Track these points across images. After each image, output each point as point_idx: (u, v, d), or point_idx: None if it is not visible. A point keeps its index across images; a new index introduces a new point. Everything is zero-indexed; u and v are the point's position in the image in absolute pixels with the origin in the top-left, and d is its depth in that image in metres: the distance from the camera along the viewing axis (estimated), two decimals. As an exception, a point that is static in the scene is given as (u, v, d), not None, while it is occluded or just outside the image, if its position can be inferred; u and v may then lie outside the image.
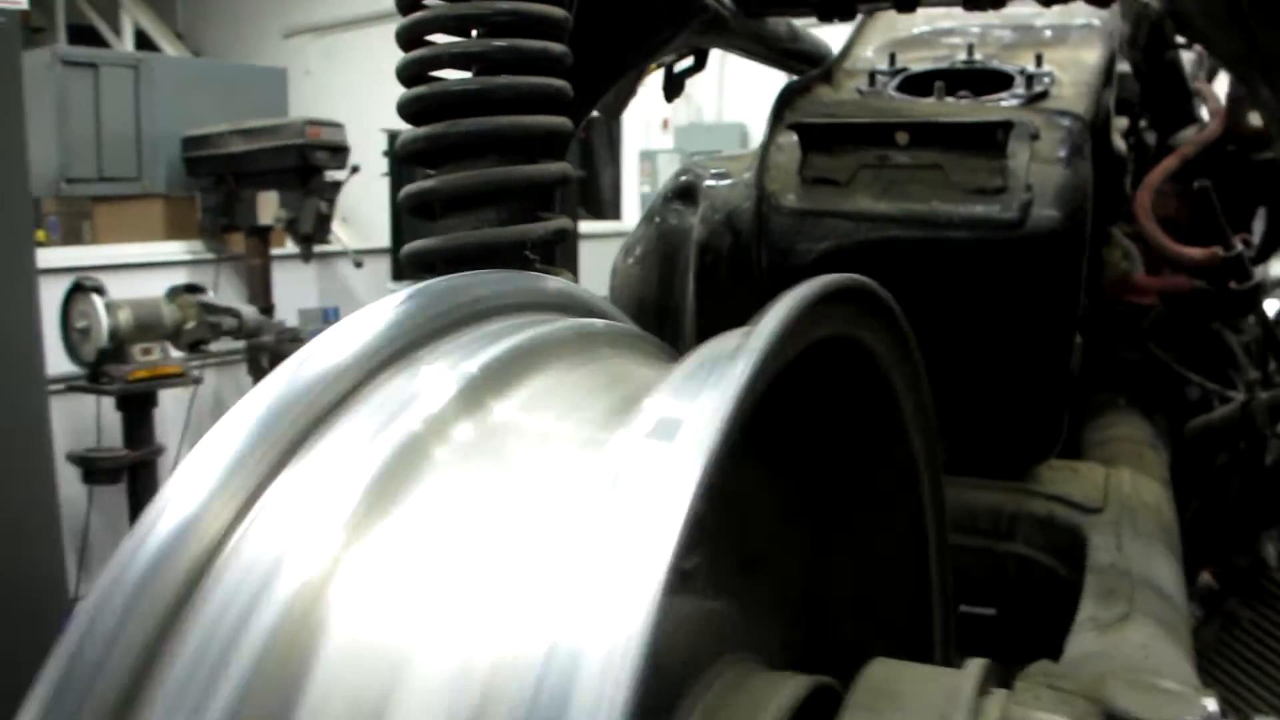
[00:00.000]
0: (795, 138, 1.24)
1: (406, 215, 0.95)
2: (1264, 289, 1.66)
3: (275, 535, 0.46)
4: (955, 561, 0.94)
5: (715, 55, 1.75)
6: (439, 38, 0.94)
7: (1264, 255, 1.98)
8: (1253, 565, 1.91)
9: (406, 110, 0.93)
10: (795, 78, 1.49)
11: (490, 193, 0.88)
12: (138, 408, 4.64)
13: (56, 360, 4.15)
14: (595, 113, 1.44)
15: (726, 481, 0.46)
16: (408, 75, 0.93)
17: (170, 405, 5.05)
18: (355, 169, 5.39)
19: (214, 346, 5.03)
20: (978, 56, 1.48)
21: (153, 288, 4.83)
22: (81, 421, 4.74)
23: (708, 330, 1.36)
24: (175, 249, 5.67)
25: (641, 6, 1.24)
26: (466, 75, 0.93)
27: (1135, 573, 1.22)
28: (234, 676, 0.42)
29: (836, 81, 1.47)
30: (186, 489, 0.47)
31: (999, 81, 1.43)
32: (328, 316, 5.62)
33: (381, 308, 0.59)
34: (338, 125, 5.30)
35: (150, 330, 4.60)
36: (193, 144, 5.71)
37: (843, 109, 1.36)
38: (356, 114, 6.09)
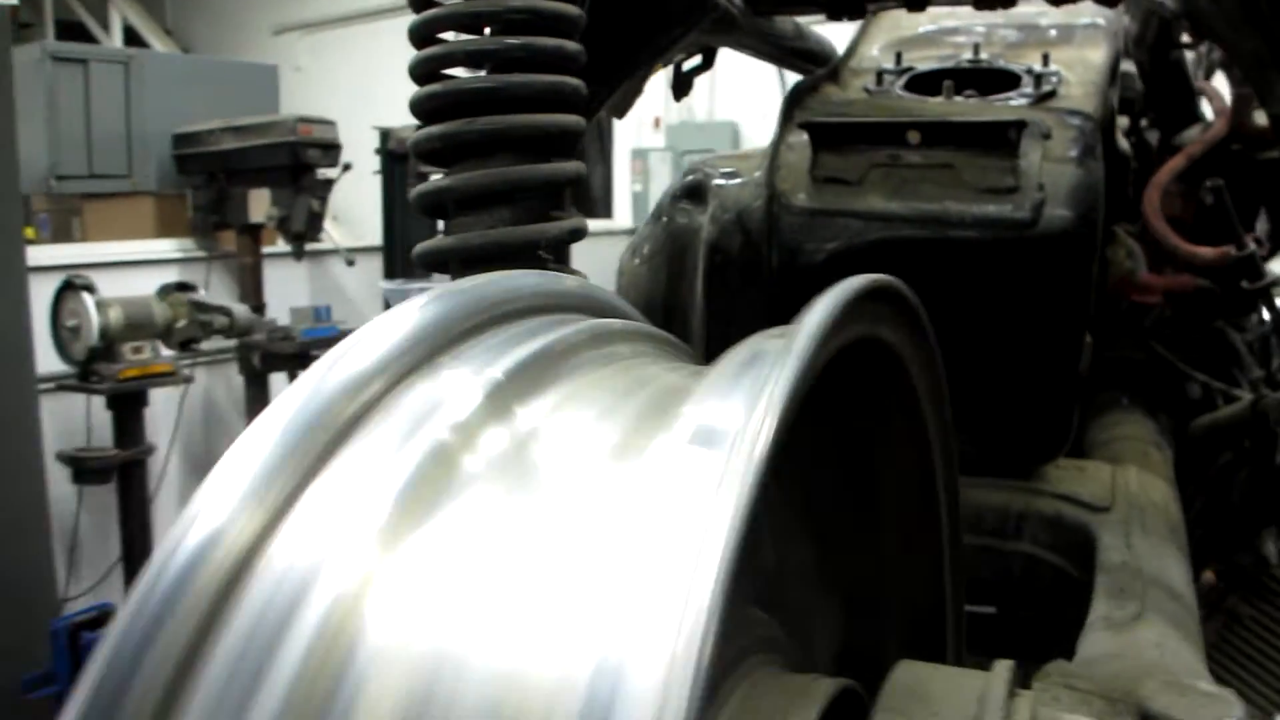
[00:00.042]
0: (805, 137, 1.24)
1: (419, 214, 0.93)
2: (1276, 287, 1.66)
3: (307, 547, 0.45)
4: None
5: (706, 53, 1.74)
6: (447, 35, 0.92)
7: (1270, 254, 1.98)
8: (1255, 563, 1.91)
9: (420, 108, 0.92)
10: (803, 77, 1.49)
11: (506, 192, 0.87)
12: (128, 407, 4.61)
13: (46, 359, 4.12)
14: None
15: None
16: (421, 73, 0.92)
17: (161, 404, 5.02)
18: (347, 166, 5.37)
19: (205, 345, 5.00)
20: (984, 56, 1.47)
21: (143, 286, 4.80)
22: (71, 421, 4.71)
23: (716, 330, 1.36)
24: (166, 247, 5.63)
25: (655, 4, 1.23)
26: (472, 74, 0.92)
27: (1146, 572, 1.22)
28: (270, 694, 0.41)
29: (844, 80, 1.46)
30: (216, 500, 0.46)
31: (1006, 81, 1.42)
32: (319, 315, 5.59)
33: (404, 312, 0.59)
34: (329, 123, 5.27)
35: (141, 329, 4.56)
36: (183, 141, 5.67)
37: (853, 108, 1.36)
38: (347, 111, 6.06)
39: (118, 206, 5.83)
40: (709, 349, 0.78)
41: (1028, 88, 1.37)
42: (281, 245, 5.68)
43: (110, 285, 4.60)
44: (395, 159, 5.84)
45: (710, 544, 0.38)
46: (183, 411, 5.17)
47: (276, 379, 5.26)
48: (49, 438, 3.88)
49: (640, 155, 8.25)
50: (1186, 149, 1.77)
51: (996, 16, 1.49)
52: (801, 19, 1.75)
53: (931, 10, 1.52)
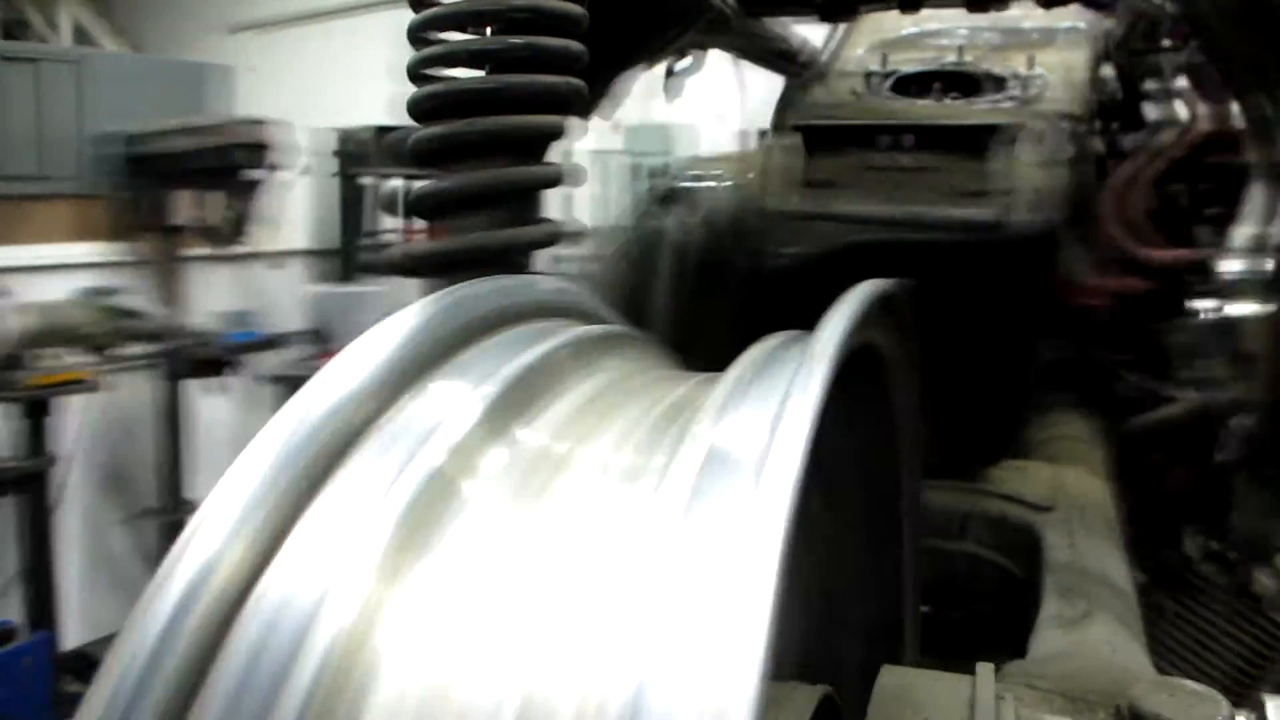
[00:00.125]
0: (788, 140, 1.24)
1: (418, 216, 0.92)
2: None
3: (305, 579, 0.44)
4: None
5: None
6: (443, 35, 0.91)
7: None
8: (1179, 559, 1.97)
9: (419, 108, 0.90)
10: (785, 79, 1.49)
11: (501, 194, 0.85)
12: (35, 416, 4.43)
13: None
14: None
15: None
16: (421, 73, 0.90)
17: (80, 412, 4.83)
18: (287, 167, 5.26)
19: (124, 350, 4.83)
20: (968, 58, 1.49)
21: (59, 290, 4.62)
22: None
23: (683, 333, 1.35)
24: (85, 250, 5.42)
25: (652, 4, 1.22)
26: (464, 74, 0.90)
27: (1091, 570, 1.26)
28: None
29: (831, 83, 1.47)
30: (209, 531, 0.45)
31: (992, 84, 1.44)
32: (244, 319, 5.45)
33: (392, 326, 0.57)
34: (259, 123, 5.14)
35: (59, 334, 4.39)
36: (106, 141, 5.46)
37: (842, 111, 1.37)
38: (299, 111, 5.93)
39: (32, 209, 5.60)
40: (691, 349, 0.78)
41: (1015, 90, 1.39)
42: (206, 248, 5.51)
43: (27, 290, 4.42)
44: (351, 160, 5.75)
45: (746, 606, 0.37)
46: (90, 420, 4.98)
47: (195, 385, 5.12)
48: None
49: (599, 157, 8.22)
50: (1167, 152, 1.77)
51: (980, 19, 1.51)
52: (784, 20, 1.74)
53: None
